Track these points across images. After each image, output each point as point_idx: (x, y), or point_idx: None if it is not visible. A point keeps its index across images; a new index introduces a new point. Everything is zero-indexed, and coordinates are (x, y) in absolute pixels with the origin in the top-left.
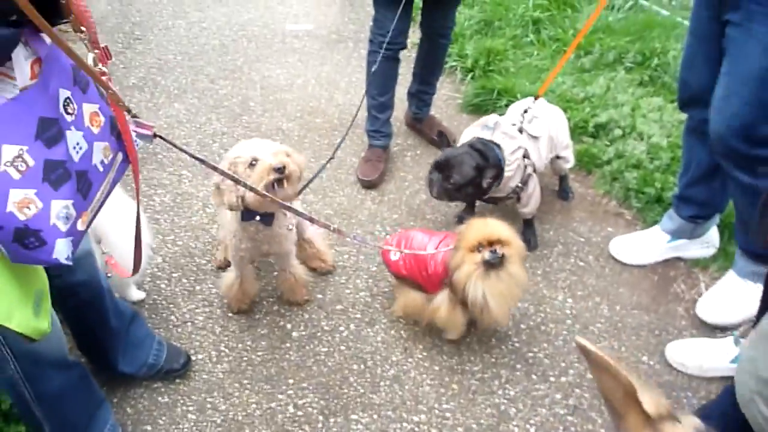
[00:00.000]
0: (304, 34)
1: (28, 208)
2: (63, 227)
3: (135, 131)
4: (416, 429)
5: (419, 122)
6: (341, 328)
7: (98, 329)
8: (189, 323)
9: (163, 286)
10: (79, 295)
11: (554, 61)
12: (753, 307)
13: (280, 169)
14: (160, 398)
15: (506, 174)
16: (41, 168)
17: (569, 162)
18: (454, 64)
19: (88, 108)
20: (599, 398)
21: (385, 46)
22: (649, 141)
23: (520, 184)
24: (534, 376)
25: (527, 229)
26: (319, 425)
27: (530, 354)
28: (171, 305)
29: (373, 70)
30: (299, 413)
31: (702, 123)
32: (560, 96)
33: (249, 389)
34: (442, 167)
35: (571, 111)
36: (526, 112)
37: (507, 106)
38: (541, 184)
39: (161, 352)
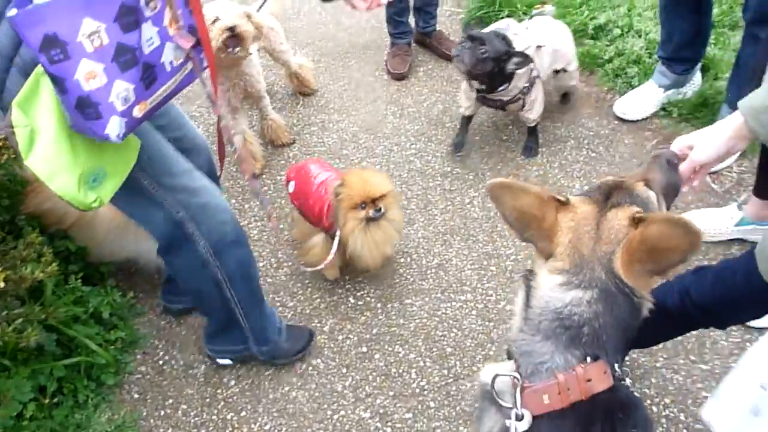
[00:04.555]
0: None
1: (93, 80)
2: (120, 107)
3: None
4: (464, 306)
5: (428, 37)
6: None
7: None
8: None
9: None
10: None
11: None
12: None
13: (232, 28)
14: None
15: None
16: (113, 48)
17: (573, 78)
18: None
19: (170, 12)
20: None
21: None
22: (647, 37)
23: (527, 85)
24: None
25: (530, 136)
26: (378, 311)
27: None
28: None
29: None
30: (359, 302)
31: None
32: (559, 2)
33: (311, 287)
34: (474, 38)
35: (570, 16)
36: (531, 18)
37: (509, 17)
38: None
39: None
